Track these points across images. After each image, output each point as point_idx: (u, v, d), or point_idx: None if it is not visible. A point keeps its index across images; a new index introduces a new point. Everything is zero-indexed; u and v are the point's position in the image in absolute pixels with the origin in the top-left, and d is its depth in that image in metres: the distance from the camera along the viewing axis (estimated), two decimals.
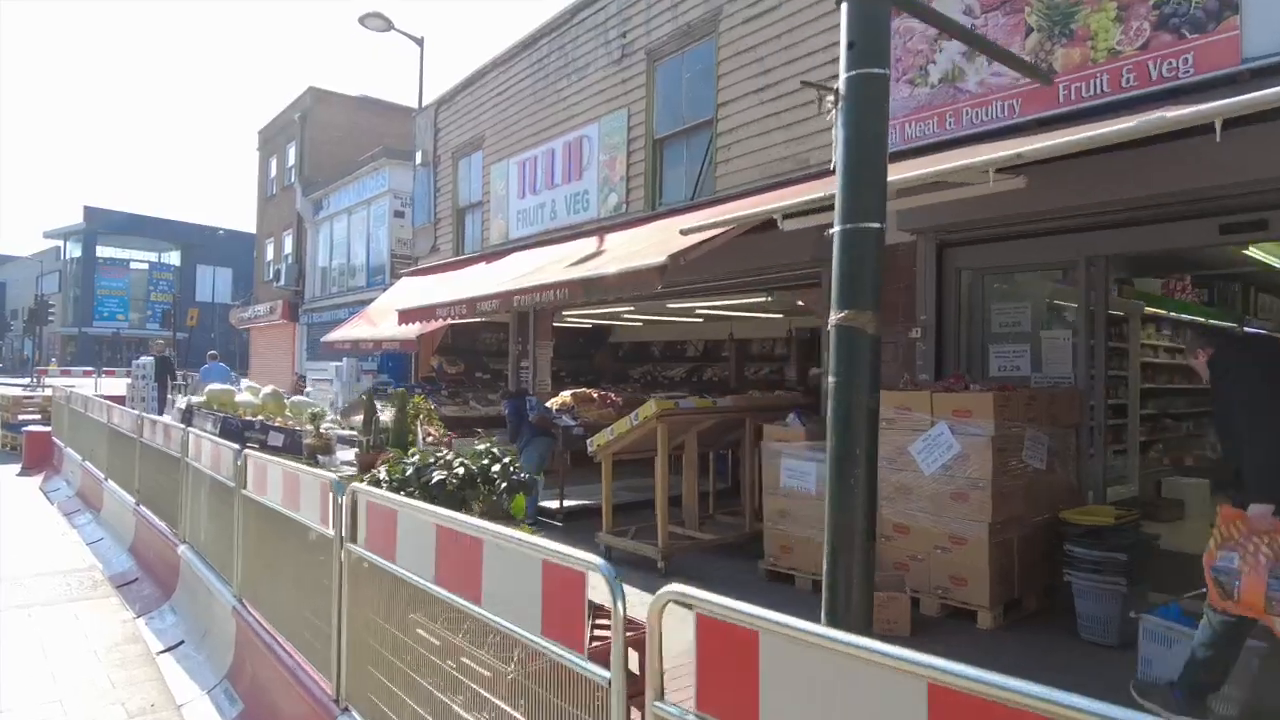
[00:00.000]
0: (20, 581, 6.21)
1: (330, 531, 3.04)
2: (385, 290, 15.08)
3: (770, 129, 7.72)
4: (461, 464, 3.41)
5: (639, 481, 8.26)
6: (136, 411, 7.79)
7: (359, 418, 6.84)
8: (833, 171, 2.93)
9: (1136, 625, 4.09)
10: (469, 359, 14.05)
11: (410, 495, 3.41)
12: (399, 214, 17.37)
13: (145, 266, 54.78)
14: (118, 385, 20.36)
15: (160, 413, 12.51)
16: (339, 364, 14.42)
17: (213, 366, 14.46)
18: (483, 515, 3.49)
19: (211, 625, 4.63)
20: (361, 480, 3.91)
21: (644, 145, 9.35)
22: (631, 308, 11.29)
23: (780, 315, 11.69)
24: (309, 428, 7.04)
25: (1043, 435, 5.27)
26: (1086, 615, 4.64)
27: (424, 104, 14.59)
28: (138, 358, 18.05)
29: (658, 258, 5.98)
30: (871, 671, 1.12)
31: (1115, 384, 6.82)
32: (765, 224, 5.98)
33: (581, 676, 1.69)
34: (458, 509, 3.33)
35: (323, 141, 22.48)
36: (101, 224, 51.51)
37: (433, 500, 3.36)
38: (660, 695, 1.56)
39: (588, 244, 8.91)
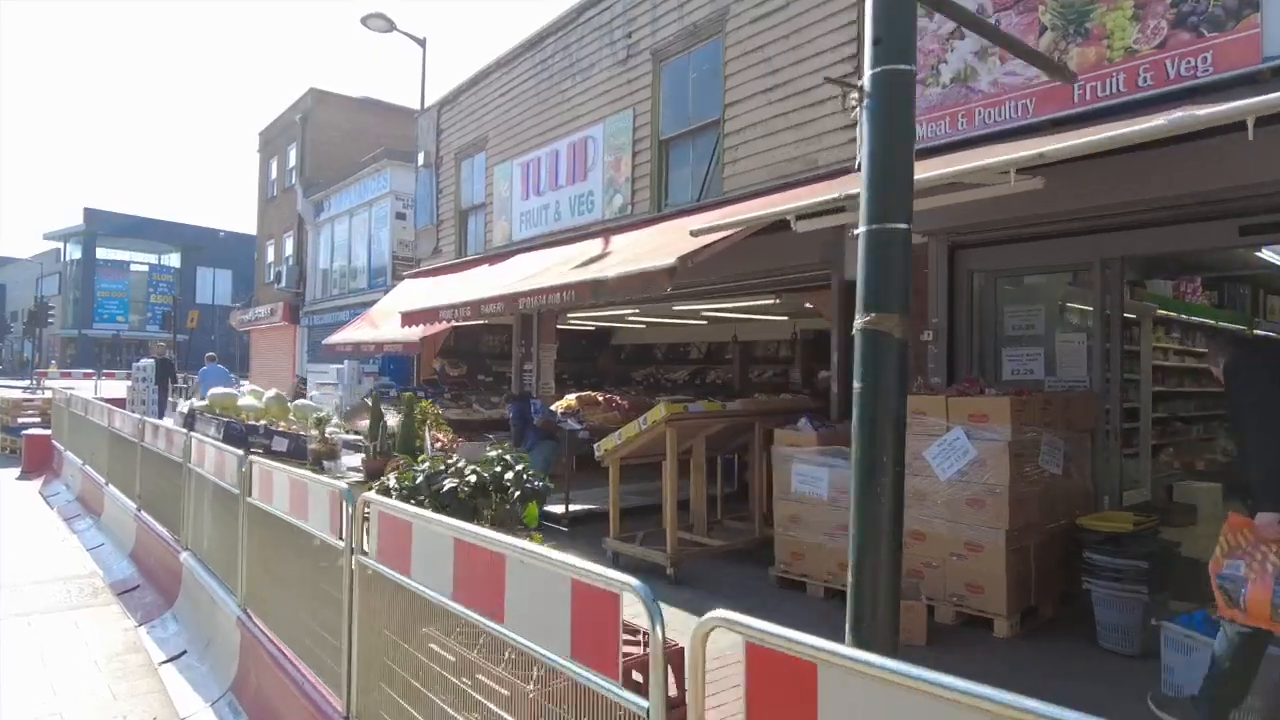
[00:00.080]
0: (19, 588, 6.12)
1: (340, 542, 2.95)
2: (387, 292, 15.00)
3: (778, 129, 7.64)
4: (474, 471, 3.33)
5: (645, 486, 8.18)
6: (138, 415, 7.71)
7: (364, 422, 6.75)
8: (857, 170, 2.85)
9: (1158, 633, 4.02)
10: (472, 361, 13.98)
11: (420, 504, 3.33)
12: (401, 216, 17.29)
13: (145, 268, 54.71)
14: (118, 388, 20.26)
15: (161, 416, 12.42)
16: (340, 366, 14.33)
17: (211, 368, 14.37)
18: (494, 522, 3.41)
19: (215, 635, 4.54)
20: (369, 487, 3.83)
21: (650, 146, 9.27)
22: (636, 310, 11.21)
23: (785, 318, 11.62)
24: (313, 432, 6.95)
25: (1059, 440, 5.19)
26: (1106, 624, 4.55)
27: (426, 105, 14.51)
28: (138, 360, 17.95)
29: (667, 259, 5.90)
30: (946, 710, 1.03)
31: (1127, 387, 6.75)
32: (773, 225, 5.90)
33: (611, 702, 1.61)
34: (469, 518, 3.25)
35: (324, 143, 22.40)
36: (101, 225, 51.42)
37: (443, 509, 3.28)
38: None
39: (593, 246, 8.84)
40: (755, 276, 7.83)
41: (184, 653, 4.70)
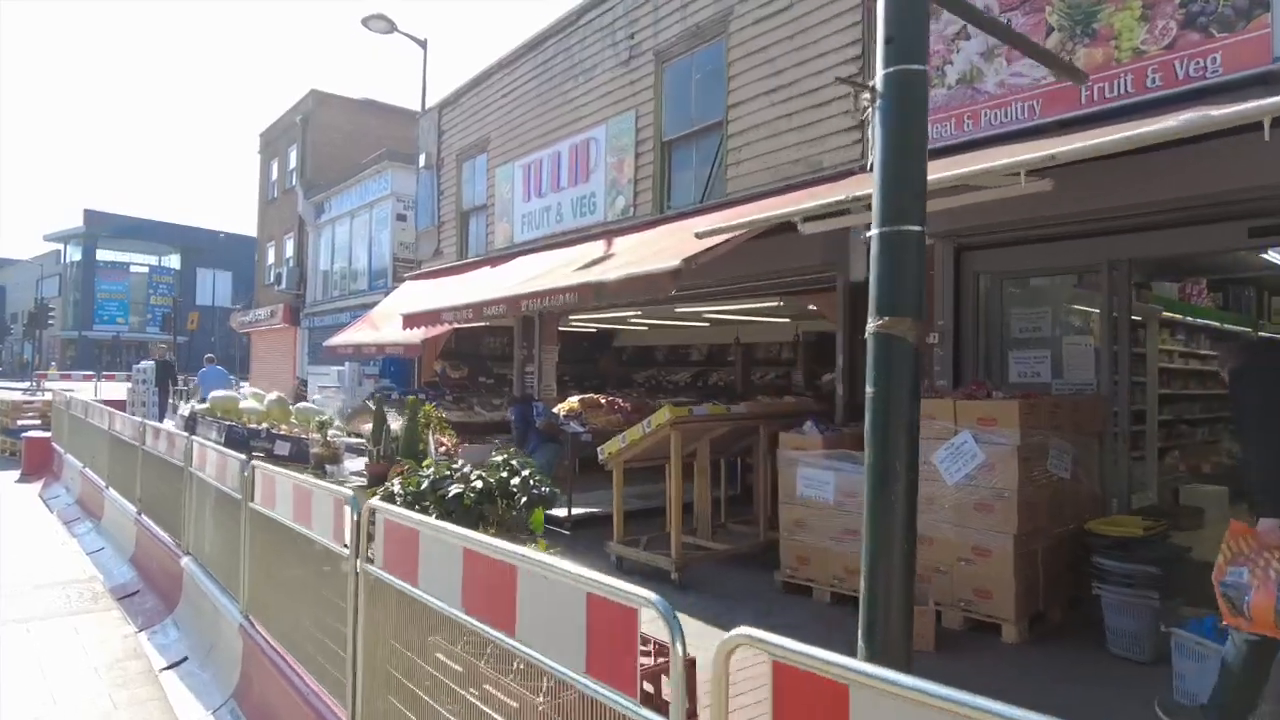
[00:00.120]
0: (19, 594, 6.07)
1: (345, 550, 2.91)
2: (388, 294, 14.96)
3: (782, 131, 7.61)
4: (479, 477, 3.29)
5: (647, 489, 8.13)
6: (139, 418, 7.66)
7: (366, 425, 6.71)
8: (868, 171, 2.81)
9: (1168, 640, 3.97)
10: (473, 363, 13.93)
11: (425, 510, 3.29)
12: (401, 217, 17.25)
13: (145, 270, 54.69)
14: (118, 389, 20.19)
15: (161, 418, 12.36)
16: (341, 368, 14.28)
17: (210, 370, 14.31)
18: (499, 529, 3.36)
19: (216, 641, 4.49)
20: (373, 492, 3.79)
21: (652, 147, 9.23)
22: (638, 312, 11.17)
23: (787, 320, 11.58)
24: (316, 436, 6.90)
25: (1067, 444, 5.15)
26: (1116, 629, 4.51)
27: (427, 106, 14.48)
28: (138, 362, 17.91)
29: (670, 261, 5.86)
30: None
31: (1134, 390, 6.71)
32: (777, 227, 5.86)
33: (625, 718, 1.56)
34: (474, 524, 3.21)
35: (324, 144, 22.35)
36: (102, 227, 51.39)
37: (448, 515, 3.24)
38: None
39: (595, 247, 8.80)
40: (759, 278, 7.79)
41: (185, 659, 4.65)
